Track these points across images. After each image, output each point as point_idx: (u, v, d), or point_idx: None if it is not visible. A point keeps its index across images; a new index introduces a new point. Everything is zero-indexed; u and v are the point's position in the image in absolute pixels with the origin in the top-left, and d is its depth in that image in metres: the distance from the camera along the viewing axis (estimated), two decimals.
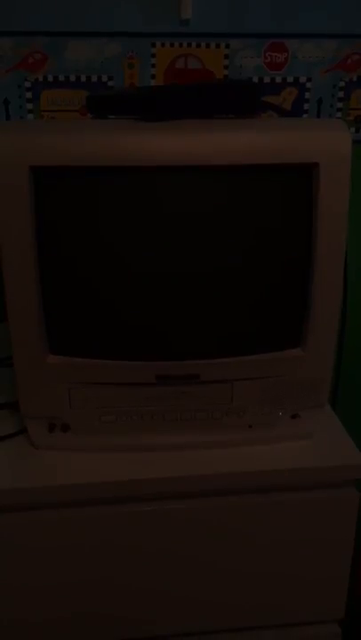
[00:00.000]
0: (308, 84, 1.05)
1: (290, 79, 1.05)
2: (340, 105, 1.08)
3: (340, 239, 0.71)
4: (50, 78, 1.01)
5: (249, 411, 0.79)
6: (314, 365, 0.77)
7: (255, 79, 1.04)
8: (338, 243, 0.72)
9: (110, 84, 1.02)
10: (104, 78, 1.02)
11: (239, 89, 0.76)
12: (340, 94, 1.07)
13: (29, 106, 1.02)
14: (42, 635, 0.82)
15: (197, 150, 0.66)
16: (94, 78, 1.01)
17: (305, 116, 1.07)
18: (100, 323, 0.73)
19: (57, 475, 0.76)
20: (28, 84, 1.01)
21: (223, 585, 0.83)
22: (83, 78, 1.01)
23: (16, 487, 0.74)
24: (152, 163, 0.66)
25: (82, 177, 0.67)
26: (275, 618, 0.86)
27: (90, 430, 0.78)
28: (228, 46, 1.02)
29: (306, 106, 1.07)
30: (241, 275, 0.72)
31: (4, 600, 0.80)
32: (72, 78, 1.01)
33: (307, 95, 1.06)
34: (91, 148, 0.65)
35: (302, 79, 1.05)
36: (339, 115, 1.08)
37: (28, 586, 0.79)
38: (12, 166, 0.65)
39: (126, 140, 0.66)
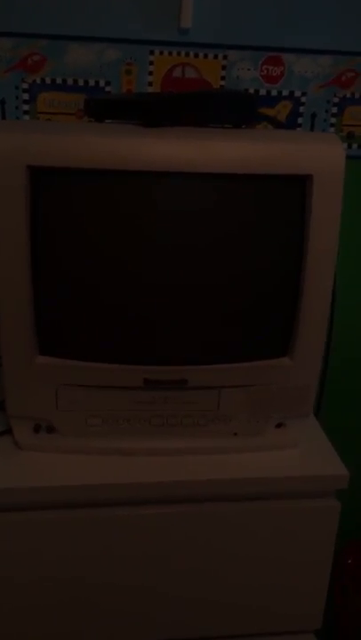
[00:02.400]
0: (303, 99, 1.07)
1: (285, 93, 1.06)
2: (333, 120, 1.09)
3: (331, 251, 0.72)
4: (47, 80, 1.01)
5: (235, 418, 0.79)
6: (301, 374, 0.77)
7: (251, 91, 1.05)
8: (328, 254, 0.73)
9: (108, 89, 1.02)
10: (102, 83, 1.02)
11: (237, 99, 0.77)
12: (334, 110, 1.09)
13: (25, 107, 1.02)
14: None
15: (192, 158, 0.67)
16: (92, 82, 1.02)
17: (299, 129, 1.08)
18: (91, 325, 0.73)
19: (39, 476, 0.75)
20: (25, 86, 1.01)
21: (200, 592, 0.83)
22: (80, 82, 1.02)
23: None
24: (147, 167, 0.67)
25: (78, 178, 0.67)
26: (252, 626, 0.86)
27: (76, 432, 0.78)
28: (225, 57, 1.03)
29: (300, 120, 1.08)
30: (232, 283, 0.72)
31: None
32: (70, 82, 1.01)
33: (301, 109, 1.07)
34: (89, 150, 0.66)
35: (297, 93, 1.06)
36: (332, 130, 1.10)
37: (7, 587, 0.79)
38: (9, 165, 0.65)
39: (124, 145, 0.66)
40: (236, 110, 0.76)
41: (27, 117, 1.03)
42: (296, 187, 0.70)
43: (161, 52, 1.02)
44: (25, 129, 0.67)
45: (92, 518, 0.77)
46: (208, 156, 0.68)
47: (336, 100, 1.08)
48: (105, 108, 0.75)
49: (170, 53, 1.02)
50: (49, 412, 0.76)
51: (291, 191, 0.70)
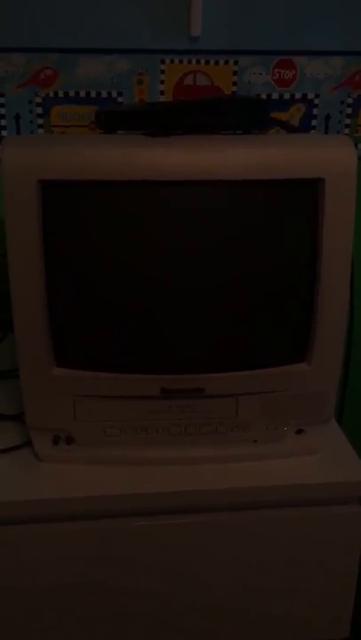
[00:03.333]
0: (316, 101, 1.06)
1: (298, 96, 1.06)
2: (348, 121, 1.08)
3: (346, 254, 0.72)
4: (60, 94, 1.02)
5: (254, 425, 0.79)
6: (320, 380, 0.76)
7: (263, 96, 1.05)
8: (344, 257, 0.72)
9: (120, 99, 1.03)
10: (114, 94, 1.03)
11: (248, 105, 0.77)
12: (348, 111, 1.08)
13: (40, 121, 1.03)
14: None
15: (205, 165, 0.67)
16: (104, 94, 1.03)
17: (313, 132, 1.08)
18: (106, 336, 0.73)
19: (60, 487, 0.76)
20: (38, 100, 1.02)
21: (226, 602, 0.82)
22: (93, 94, 1.03)
23: (19, 500, 0.74)
24: (161, 177, 0.67)
25: (90, 191, 0.68)
26: (279, 636, 0.85)
27: (94, 443, 0.78)
28: (236, 63, 1.03)
29: (314, 122, 1.07)
30: (247, 289, 0.72)
31: (4, 611, 0.79)
32: (82, 94, 1.02)
33: (315, 111, 1.07)
34: (99, 162, 0.66)
35: (310, 95, 1.06)
36: (347, 131, 1.09)
37: (28, 597, 0.79)
38: (21, 180, 0.66)
39: (135, 155, 0.66)
40: (246, 116, 0.76)
41: (41, 131, 1.04)
42: (308, 190, 0.69)
43: (172, 61, 1.02)
44: (35, 143, 0.68)
45: (111, 529, 0.76)
46: (219, 163, 0.67)
47: (350, 100, 1.07)
48: (115, 119, 0.75)
49: (180, 62, 1.02)
50: (67, 423, 0.77)
51: (303, 195, 0.70)
